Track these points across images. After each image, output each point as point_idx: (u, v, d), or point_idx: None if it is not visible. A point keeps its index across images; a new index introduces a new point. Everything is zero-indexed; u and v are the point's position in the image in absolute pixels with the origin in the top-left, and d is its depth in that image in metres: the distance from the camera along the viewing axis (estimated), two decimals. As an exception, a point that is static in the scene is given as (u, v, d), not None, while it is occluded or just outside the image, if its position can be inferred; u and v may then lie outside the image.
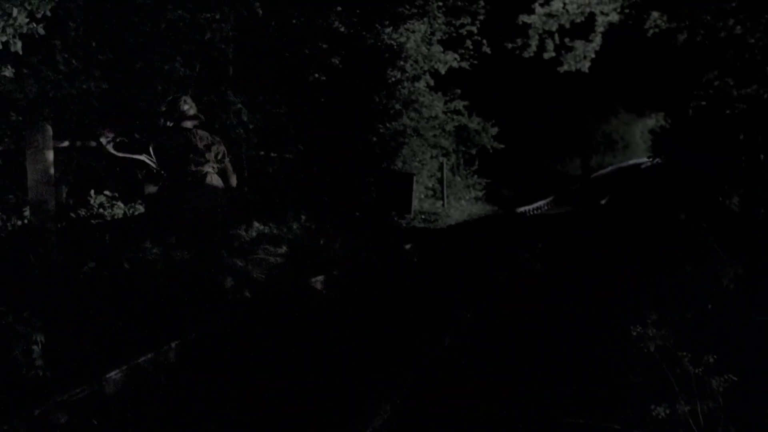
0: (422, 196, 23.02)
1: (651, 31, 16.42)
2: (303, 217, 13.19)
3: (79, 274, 8.32)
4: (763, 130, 11.83)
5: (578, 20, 20.02)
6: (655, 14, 15.19)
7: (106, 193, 10.43)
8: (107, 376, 6.05)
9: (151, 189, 10.70)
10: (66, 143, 9.32)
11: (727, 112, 12.21)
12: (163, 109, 8.64)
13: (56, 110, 10.79)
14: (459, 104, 24.60)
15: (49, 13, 8.33)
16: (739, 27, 9.76)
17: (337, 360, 7.20)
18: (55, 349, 6.70)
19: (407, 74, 19.74)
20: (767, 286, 5.85)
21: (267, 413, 5.78)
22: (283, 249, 11.71)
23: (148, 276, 9.09)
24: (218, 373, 6.80)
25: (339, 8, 15.97)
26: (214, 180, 8.54)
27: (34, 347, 6.55)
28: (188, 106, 8.59)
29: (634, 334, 4.36)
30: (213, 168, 8.54)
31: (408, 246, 13.87)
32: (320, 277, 10.20)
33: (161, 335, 7.24)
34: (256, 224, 12.19)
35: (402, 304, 9.65)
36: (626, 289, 8.02)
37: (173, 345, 6.96)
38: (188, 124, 8.56)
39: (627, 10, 16.93)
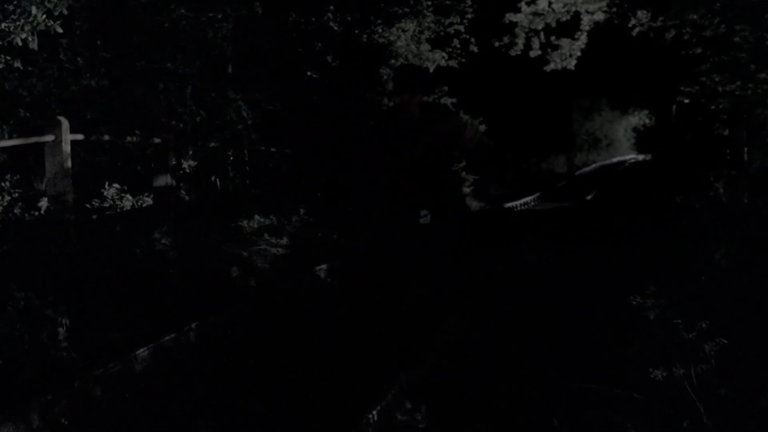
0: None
1: (637, 29, 16.81)
2: (302, 210, 13.56)
3: (96, 262, 8.70)
4: (747, 125, 12.23)
5: (564, 19, 20.40)
6: (641, 13, 15.59)
7: (116, 186, 10.79)
8: (136, 353, 6.44)
9: (160, 182, 11.09)
10: (81, 137, 9.68)
11: (712, 107, 12.64)
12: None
13: (61, 106, 11.15)
14: (448, 101, 24.93)
15: (66, 11, 8.70)
16: (724, 26, 10.16)
17: (344, 341, 7.60)
18: (79, 332, 7.06)
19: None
20: (755, 261, 6.29)
21: (284, 389, 6.16)
22: (284, 240, 12.09)
23: (159, 265, 9.46)
24: (237, 352, 7.19)
25: (332, 8, 16.34)
26: None
27: (60, 330, 6.92)
28: None
29: (634, 303, 4.77)
30: None
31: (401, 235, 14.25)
32: (324, 266, 10.58)
33: (176, 320, 7.59)
34: (257, 217, 12.55)
35: (404, 289, 10.01)
36: (623, 269, 8.46)
37: (193, 326, 7.34)
38: None
39: (613, 9, 17.30)
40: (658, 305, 4.72)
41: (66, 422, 5.34)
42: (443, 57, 22.04)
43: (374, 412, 5.08)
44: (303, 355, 7.17)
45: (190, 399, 5.97)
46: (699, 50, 11.87)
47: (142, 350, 6.53)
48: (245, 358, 7.05)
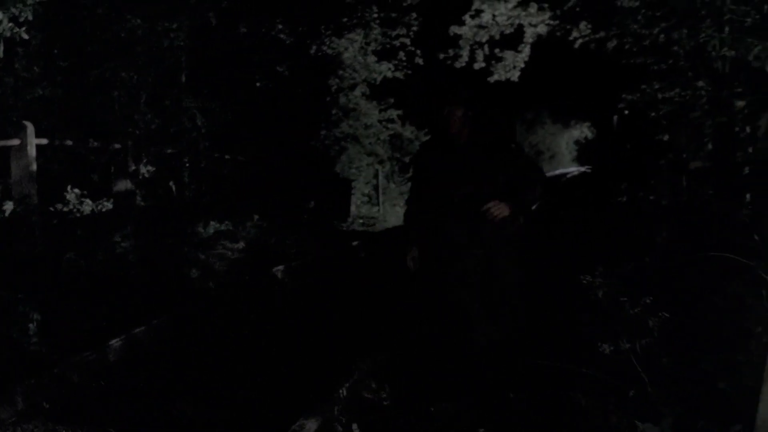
0: (359, 202, 23.71)
1: (579, 41, 17.25)
2: (256, 216, 13.85)
3: (61, 264, 8.93)
4: (686, 130, 12.71)
5: (508, 32, 20.77)
6: (583, 25, 16.04)
7: (76, 191, 10.97)
8: (110, 343, 6.70)
9: (119, 187, 11.31)
10: (45, 141, 9.87)
11: (653, 114, 13.12)
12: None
13: (18, 114, 11.32)
14: (393, 113, 25.23)
15: (31, 17, 8.89)
16: (663, 36, 10.63)
17: (306, 331, 7.94)
18: (48, 327, 7.30)
19: (346, 83, 20.51)
20: (689, 245, 6.77)
21: (252, 374, 6.47)
22: (240, 245, 12.38)
23: (120, 266, 9.71)
24: (204, 344, 7.48)
25: (283, 19, 16.64)
26: None
27: (30, 325, 7.17)
28: None
29: (584, 282, 5.15)
30: None
31: (355, 243, 14.64)
32: (281, 267, 10.91)
33: (140, 317, 7.85)
34: (212, 222, 12.82)
35: (355, 288, 10.47)
36: (575, 256, 8.96)
37: (163, 319, 7.62)
38: None
39: (556, 22, 17.74)
40: (606, 284, 5.10)
41: (47, 406, 5.60)
42: (389, 69, 22.38)
43: (343, 389, 5.41)
44: (268, 344, 7.50)
45: (161, 383, 6.24)
46: (640, 59, 12.34)
47: (115, 341, 6.80)
48: (212, 348, 7.35)
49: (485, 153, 5.84)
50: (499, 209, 5.54)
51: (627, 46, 12.46)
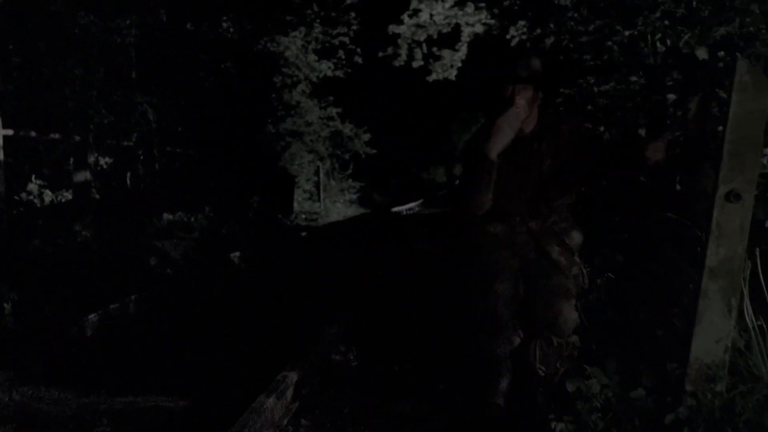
0: (301, 198, 24.16)
1: (516, 39, 17.70)
2: (207, 208, 14.24)
3: (26, 251, 9.27)
4: (623, 122, 13.26)
5: (445, 31, 21.12)
6: (520, 23, 16.51)
7: (38, 182, 11.28)
8: (88, 317, 7.09)
9: (78, 178, 11.63)
10: (11, 132, 10.17)
11: (589, 107, 13.65)
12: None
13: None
14: (333, 111, 25.67)
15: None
16: (597, 32, 11.16)
17: (268, 309, 8.39)
18: (20, 308, 7.66)
19: (289, 81, 20.96)
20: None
21: (221, 346, 6.90)
22: (195, 234, 12.77)
23: (83, 254, 10.06)
24: (173, 319, 7.89)
25: (229, 17, 17.02)
26: None
27: (6, 305, 7.52)
28: None
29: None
30: None
31: (303, 233, 15.14)
32: (237, 253, 11.35)
33: (107, 299, 8.22)
34: (165, 214, 13.19)
35: (308, 272, 10.98)
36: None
37: (133, 298, 8.02)
38: None
39: (493, 21, 18.22)
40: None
41: (36, 372, 5.99)
42: (329, 67, 22.83)
43: (317, 348, 5.88)
44: (235, 319, 7.94)
45: (133, 361, 6.64)
46: (576, 55, 12.86)
47: (92, 315, 7.19)
48: (184, 322, 7.77)
49: (555, 144, 4.78)
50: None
51: (564, 43, 12.95)
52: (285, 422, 4.76)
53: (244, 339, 7.07)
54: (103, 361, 6.44)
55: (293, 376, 5.11)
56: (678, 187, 4.72)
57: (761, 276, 4.43)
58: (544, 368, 4.70)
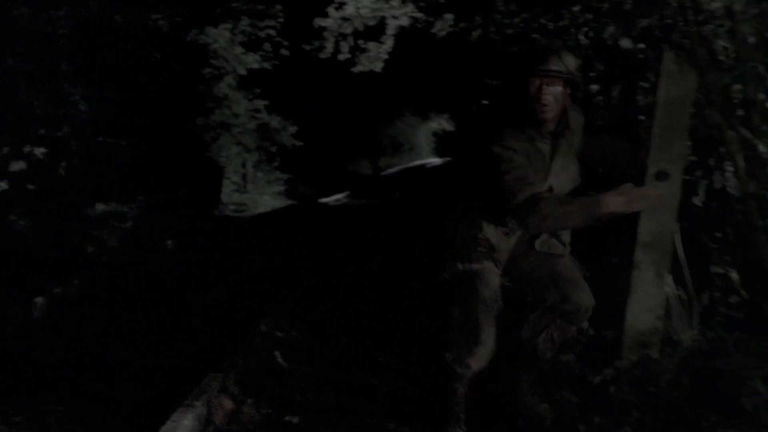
0: (229, 190, 24.30)
1: (442, 32, 17.93)
2: (140, 198, 14.39)
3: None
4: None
5: (371, 23, 21.24)
6: (447, 16, 16.77)
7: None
8: (34, 300, 7.31)
9: (14, 167, 11.72)
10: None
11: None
12: None
13: None
14: (260, 103, 25.72)
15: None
16: (522, 25, 11.57)
17: (209, 292, 8.67)
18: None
19: (217, 73, 21.10)
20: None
21: (163, 326, 7.17)
22: (128, 224, 12.95)
23: (19, 244, 10.21)
24: (115, 305, 8.13)
25: (159, 9, 17.09)
26: None
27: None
28: None
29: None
30: None
31: (235, 223, 15.40)
32: (170, 241, 11.57)
33: (46, 286, 8.42)
34: (99, 204, 13.32)
35: (244, 259, 11.28)
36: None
37: (76, 282, 8.23)
38: None
39: (419, 14, 18.43)
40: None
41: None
42: (256, 60, 22.94)
43: (262, 325, 6.19)
44: (177, 301, 8.21)
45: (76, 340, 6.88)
46: (502, 47, 13.23)
47: (39, 298, 7.41)
48: (126, 305, 8.02)
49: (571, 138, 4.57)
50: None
51: (491, 36, 13.27)
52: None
53: (189, 320, 7.34)
54: (52, 341, 6.66)
55: (241, 354, 5.42)
56: (599, 170, 5.10)
57: (681, 250, 4.85)
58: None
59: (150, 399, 5.06)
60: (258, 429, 4.54)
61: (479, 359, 4.35)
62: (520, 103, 4.35)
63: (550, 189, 4.34)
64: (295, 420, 4.63)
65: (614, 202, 4.04)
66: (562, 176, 4.46)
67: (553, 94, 4.28)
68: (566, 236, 4.69)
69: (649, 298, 4.67)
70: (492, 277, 4.47)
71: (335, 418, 4.70)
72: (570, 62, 4.31)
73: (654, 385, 4.33)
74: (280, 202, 27.99)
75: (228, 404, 4.69)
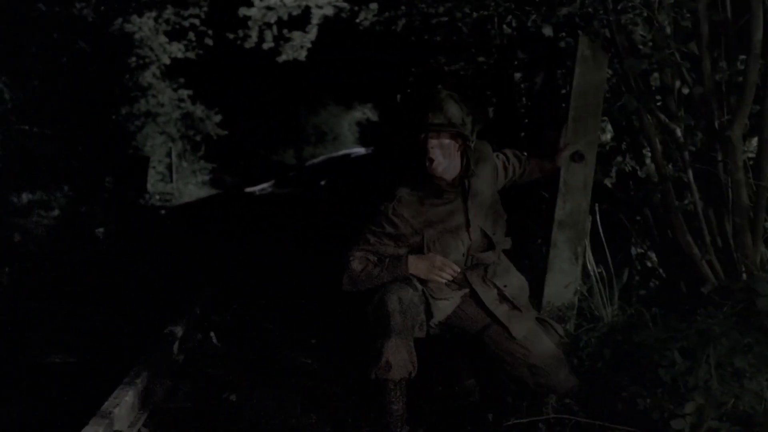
0: (154, 180, 24.21)
1: (366, 21, 18.06)
2: (65, 187, 14.37)
3: None
4: (474, 99, 13.96)
5: (296, 13, 21.30)
6: (372, 6, 16.92)
7: None
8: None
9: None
10: None
11: (439, 86, 14.26)
12: None
13: None
14: (184, 93, 25.61)
15: None
16: (446, 14, 11.80)
17: (141, 278, 8.77)
18: None
19: (141, 62, 21.04)
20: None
21: (87, 318, 7.26)
22: (56, 212, 12.93)
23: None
24: (48, 292, 8.19)
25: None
26: None
27: None
28: None
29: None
30: None
31: (162, 212, 15.44)
32: (101, 229, 11.62)
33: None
34: (25, 193, 13.28)
35: (172, 245, 11.38)
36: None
37: (6, 270, 8.29)
38: None
39: (344, 4, 18.58)
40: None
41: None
42: (180, 49, 22.86)
43: (196, 308, 6.34)
44: (110, 288, 8.29)
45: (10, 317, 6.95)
46: (426, 36, 13.46)
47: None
48: (60, 291, 8.08)
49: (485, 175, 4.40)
50: None
51: (416, 24, 13.45)
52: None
53: (122, 305, 7.44)
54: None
55: (178, 332, 5.56)
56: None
57: (600, 230, 5.10)
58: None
59: (86, 382, 5.16)
60: (196, 406, 4.68)
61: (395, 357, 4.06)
62: (415, 158, 4.14)
63: (480, 230, 4.29)
64: (233, 397, 4.77)
65: (416, 266, 4.11)
66: (482, 213, 4.32)
67: (439, 147, 4.05)
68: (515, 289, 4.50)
69: (566, 275, 4.90)
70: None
71: (272, 396, 4.85)
72: (454, 113, 4.02)
73: (576, 358, 4.56)
74: (205, 191, 27.94)
75: (166, 382, 4.82)
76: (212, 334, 5.90)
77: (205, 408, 4.67)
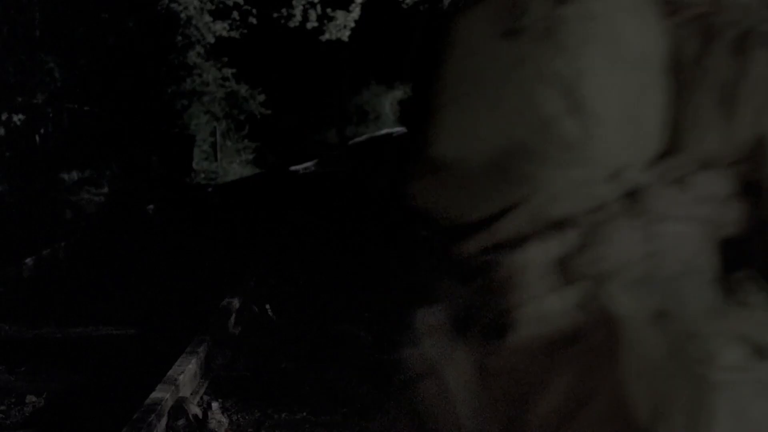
0: (199, 158, 24.39)
1: (411, 2, 17.97)
2: (114, 165, 14.53)
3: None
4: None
5: None
6: (415, -17, 16.82)
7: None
8: (25, 261, 7.51)
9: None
10: None
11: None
12: None
13: None
14: (228, 72, 25.69)
15: None
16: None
17: (195, 252, 8.90)
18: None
19: (187, 41, 21.16)
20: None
21: (142, 291, 7.38)
22: (105, 189, 13.10)
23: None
24: (104, 266, 8.34)
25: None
26: None
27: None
28: None
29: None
30: None
31: (209, 189, 15.59)
32: (152, 206, 11.77)
33: (30, 249, 8.60)
34: (75, 171, 13.46)
35: (221, 222, 11.50)
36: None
37: (63, 245, 8.43)
38: None
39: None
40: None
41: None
42: (224, 28, 22.93)
43: (252, 282, 6.43)
44: (159, 264, 8.42)
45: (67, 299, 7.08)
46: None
47: (28, 260, 7.60)
48: (115, 266, 8.23)
49: None
50: None
51: (459, 3, 13.40)
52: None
53: (175, 279, 7.56)
54: (46, 299, 6.87)
55: (235, 303, 5.66)
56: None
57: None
58: None
59: (146, 354, 5.27)
60: (255, 375, 4.77)
61: None
62: None
63: None
64: (291, 367, 4.86)
65: None
66: None
67: None
68: None
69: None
70: None
71: (328, 366, 4.93)
72: None
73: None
74: (249, 170, 28.06)
75: (226, 352, 4.92)
76: (267, 306, 5.99)
77: (264, 377, 4.76)
